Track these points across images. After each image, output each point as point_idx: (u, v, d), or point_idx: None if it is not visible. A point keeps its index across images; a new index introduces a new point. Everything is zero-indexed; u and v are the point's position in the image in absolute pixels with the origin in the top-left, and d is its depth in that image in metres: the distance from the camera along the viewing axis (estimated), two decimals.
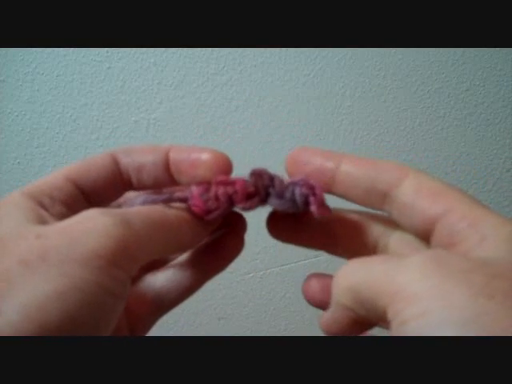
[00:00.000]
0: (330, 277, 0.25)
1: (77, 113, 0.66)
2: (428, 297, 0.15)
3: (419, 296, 0.16)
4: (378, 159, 0.22)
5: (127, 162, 0.24)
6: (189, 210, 0.23)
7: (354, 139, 0.72)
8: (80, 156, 0.67)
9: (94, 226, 0.18)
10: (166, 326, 0.76)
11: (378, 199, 0.22)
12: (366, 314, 0.19)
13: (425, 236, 0.21)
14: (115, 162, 0.24)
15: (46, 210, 0.20)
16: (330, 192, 0.23)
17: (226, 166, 0.24)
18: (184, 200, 0.23)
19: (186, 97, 0.67)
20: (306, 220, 0.25)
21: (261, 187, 0.24)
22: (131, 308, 0.25)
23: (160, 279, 0.26)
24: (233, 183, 0.23)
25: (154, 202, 0.23)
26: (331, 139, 0.71)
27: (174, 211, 0.22)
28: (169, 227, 0.21)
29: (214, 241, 0.26)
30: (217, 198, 0.23)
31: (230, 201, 0.23)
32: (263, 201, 0.24)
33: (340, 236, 0.25)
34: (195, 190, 0.23)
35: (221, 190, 0.23)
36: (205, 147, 0.24)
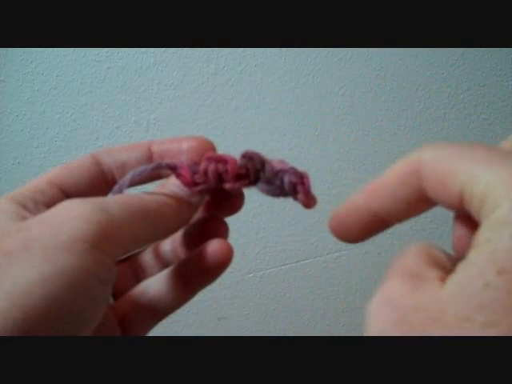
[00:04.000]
0: None
1: (77, 113, 0.66)
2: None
3: None
4: None
5: (110, 161, 0.24)
6: (170, 195, 0.23)
7: (354, 139, 0.72)
8: (80, 156, 0.67)
9: (73, 213, 0.19)
10: (166, 325, 0.75)
11: None
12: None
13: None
14: (97, 163, 0.24)
15: (30, 212, 0.21)
16: None
17: (210, 151, 0.24)
18: (173, 168, 0.23)
19: (186, 97, 0.67)
20: None
21: (251, 170, 0.24)
22: (126, 313, 0.25)
23: (153, 287, 0.25)
24: (224, 161, 0.23)
25: (143, 173, 0.23)
26: (331, 139, 0.71)
27: (154, 196, 0.22)
28: (148, 211, 0.21)
29: (198, 253, 0.24)
30: (205, 173, 0.23)
31: (219, 178, 0.23)
32: (251, 183, 0.24)
33: None
34: (185, 160, 0.24)
35: (211, 167, 0.23)
36: (188, 136, 0.24)
